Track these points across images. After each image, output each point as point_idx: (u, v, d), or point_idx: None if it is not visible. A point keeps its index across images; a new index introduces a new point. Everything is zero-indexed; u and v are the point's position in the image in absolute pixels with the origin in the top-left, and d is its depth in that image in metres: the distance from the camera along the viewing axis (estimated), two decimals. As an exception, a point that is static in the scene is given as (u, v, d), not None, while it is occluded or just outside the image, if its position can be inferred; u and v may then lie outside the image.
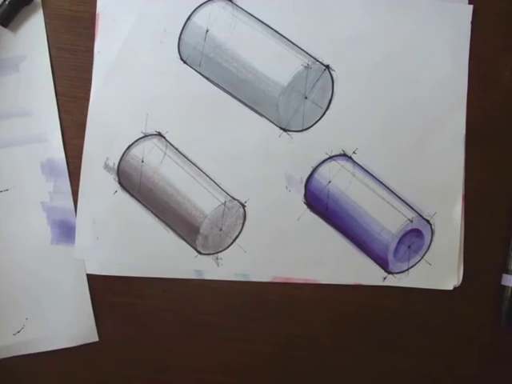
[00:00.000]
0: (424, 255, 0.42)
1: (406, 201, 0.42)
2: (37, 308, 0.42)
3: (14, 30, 0.43)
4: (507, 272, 0.42)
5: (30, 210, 0.42)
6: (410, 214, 0.42)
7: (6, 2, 0.42)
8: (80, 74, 0.43)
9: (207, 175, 0.43)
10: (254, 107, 0.43)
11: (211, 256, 0.42)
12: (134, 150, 0.43)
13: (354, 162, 0.43)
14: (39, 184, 0.42)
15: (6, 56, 0.43)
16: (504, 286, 0.42)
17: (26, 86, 0.43)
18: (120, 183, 0.43)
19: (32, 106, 0.43)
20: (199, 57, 0.43)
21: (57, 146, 0.43)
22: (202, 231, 0.42)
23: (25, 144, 0.43)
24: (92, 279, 0.42)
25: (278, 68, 0.43)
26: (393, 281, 0.42)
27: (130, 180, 0.43)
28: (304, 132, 0.43)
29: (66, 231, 0.42)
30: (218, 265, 0.42)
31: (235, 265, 0.42)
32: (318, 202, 0.42)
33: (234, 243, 0.43)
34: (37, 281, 0.42)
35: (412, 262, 0.42)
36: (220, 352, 0.43)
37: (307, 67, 0.43)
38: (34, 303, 0.42)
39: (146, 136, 0.43)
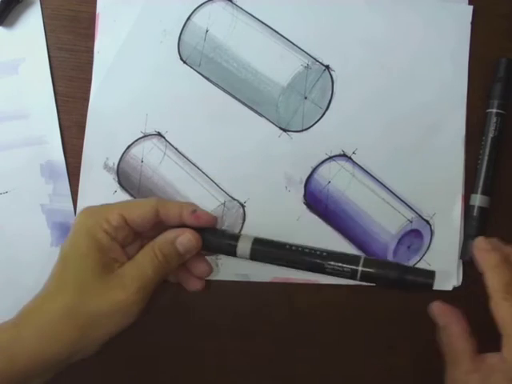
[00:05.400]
0: (423, 256, 0.42)
1: (406, 201, 0.42)
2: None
3: (14, 31, 0.43)
4: (507, 272, 0.42)
5: (29, 213, 0.42)
6: (410, 215, 0.42)
7: None
8: (80, 74, 0.43)
9: (207, 175, 0.43)
10: (254, 107, 0.43)
11: (211, 256, 0.42)
12: (134, 150, 0.43)
13: (354, 162, 0.43)
14: (39, 186, 0.42)
15: (5, 58, 0.43)
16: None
17: (25, 88, 0.43)
18: (120, 183, 0.43)
19: (31, 109, 0.43)
20: (199, 57, 0.43)
21: (56, 149, 0.43)
22: (201, 231, 0.42)
23: (24, 146, 0.43)
24: (91, 279, 0.42)
25: (278, 68, 0.43)
26: (393, 281, 0.42)
27: (129, 180, 0.43)
28: (304, 132, 0.43)
29: (65, 234, 0.42)
30: (217, 265, 0.42)
31: (235, 265, 0.42)
32: (318, 203, 0.42)
33: (234, 243, 0.42)
34: (37, 283, 0.42)
35: (411, 263, 0.42)
36: (220, 352, 0.43)
37: (307, 67, 0.43)
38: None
39: (145, 136, 0.43)
